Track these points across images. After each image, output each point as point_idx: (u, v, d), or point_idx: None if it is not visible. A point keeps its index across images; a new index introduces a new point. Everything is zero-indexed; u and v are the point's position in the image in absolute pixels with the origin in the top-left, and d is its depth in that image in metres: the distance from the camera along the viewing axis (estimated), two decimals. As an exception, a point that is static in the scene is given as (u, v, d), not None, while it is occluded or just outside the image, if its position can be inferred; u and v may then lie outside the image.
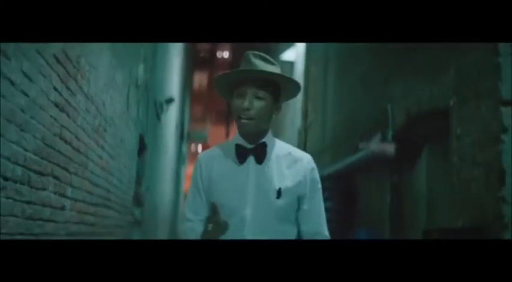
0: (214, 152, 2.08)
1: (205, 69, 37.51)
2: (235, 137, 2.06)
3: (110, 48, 4.24)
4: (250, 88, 1.96)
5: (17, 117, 2.30)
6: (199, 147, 36.95)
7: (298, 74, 13.06)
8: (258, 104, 1.96)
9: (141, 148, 6.95)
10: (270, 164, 2.01)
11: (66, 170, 3.14)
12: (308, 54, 12.77)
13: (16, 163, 2.28)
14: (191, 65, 24.11)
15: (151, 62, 7.00)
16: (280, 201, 1.96)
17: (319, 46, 11.40)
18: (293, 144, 2.18)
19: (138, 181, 7.04)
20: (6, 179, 2.18)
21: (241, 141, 2.02)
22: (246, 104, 1.94)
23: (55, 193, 2.91)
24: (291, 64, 13.99)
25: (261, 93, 1.96)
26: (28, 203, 2.46)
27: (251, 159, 2.01)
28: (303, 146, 11.34)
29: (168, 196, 13.05)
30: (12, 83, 2.19)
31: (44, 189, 2.70)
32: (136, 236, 7.00)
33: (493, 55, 4.64)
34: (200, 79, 38.30)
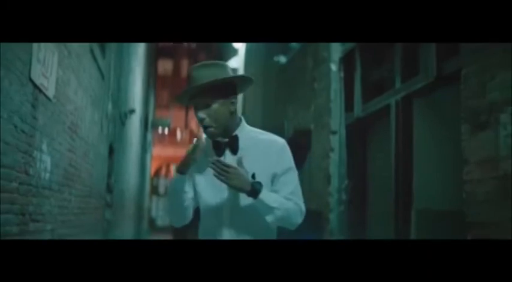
0: None
1: (170, 56, 38.52)
2: None
3: (92, 100, 6.97)
4: (197, 101, 2.13)
5: (57, 161, 5.08)
6: (166, 130, 38.72)
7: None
8: (208, 111, 2.11)
9: (110, 152, 9.61)
10: (243, 152, 2.18)
11: (72, 180, 5.91)
12: (246, 62, 15.31)
13: (56, 183, 5.07)
14: (155, 52, 24.52)
15: (117, 92, 9.73)
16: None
17: (254, 56, 13.71)
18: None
19: (109, 175, 9.49)
20: (53, 190, 4.96)
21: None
22: (199, 116, 2.13)
23: (68, 193, 5.70)
24: (234, 71, 16.43)
25: (208, 100, 2.11)
26: (61, 200, 5.25)
27: (227, 151, 2.19)
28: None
29: (134, 181, 15.37)
30: (54, 148, 4.97)
31: (64, 192, 5.49)
32: (107, 215, 9.57)
33: (328, 101, 7.57)
34: (165, 65, 39.28)
